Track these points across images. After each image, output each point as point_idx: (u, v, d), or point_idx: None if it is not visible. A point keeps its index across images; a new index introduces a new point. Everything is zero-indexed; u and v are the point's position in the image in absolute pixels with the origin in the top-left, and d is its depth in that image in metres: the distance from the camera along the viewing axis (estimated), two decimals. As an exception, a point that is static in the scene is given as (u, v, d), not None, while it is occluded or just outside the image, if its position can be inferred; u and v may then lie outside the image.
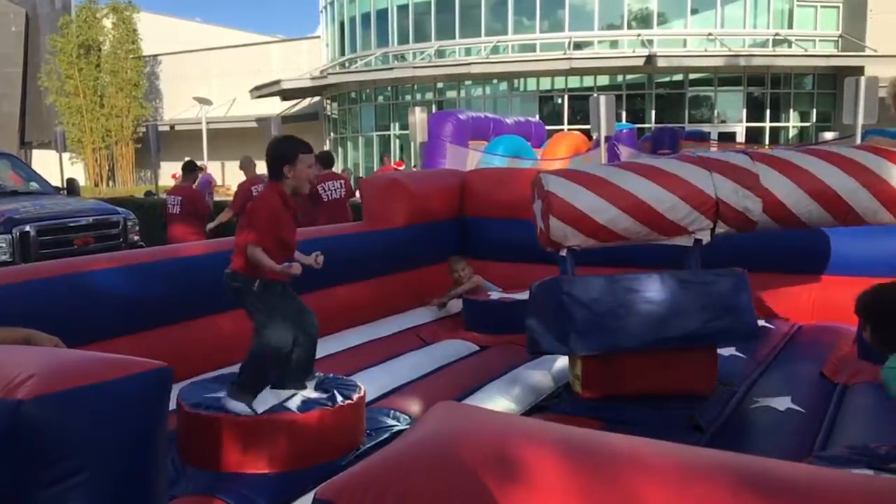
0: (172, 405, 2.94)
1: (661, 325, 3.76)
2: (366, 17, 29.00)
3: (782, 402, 3.83)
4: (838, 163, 3.91)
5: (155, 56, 36.17)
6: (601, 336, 3.78)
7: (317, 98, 32.13)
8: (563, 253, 4.02)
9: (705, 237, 3.92)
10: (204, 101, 24.68)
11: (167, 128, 32.42)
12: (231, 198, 9.51)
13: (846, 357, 4.67)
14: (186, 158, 9.64)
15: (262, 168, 4.26)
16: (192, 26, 41.79)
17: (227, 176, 29.54)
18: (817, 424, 3.63)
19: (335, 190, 8.08)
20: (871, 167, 3.88)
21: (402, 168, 15.84)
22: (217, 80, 34.70)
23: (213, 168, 20.64)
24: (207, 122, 24.55)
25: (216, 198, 10.97)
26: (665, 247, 4.08)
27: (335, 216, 7.59)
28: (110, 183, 33.96)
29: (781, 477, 1.47)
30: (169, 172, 23.91)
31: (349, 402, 3.31)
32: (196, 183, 8.96)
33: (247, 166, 8.72)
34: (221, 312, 4.62)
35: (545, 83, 26.16)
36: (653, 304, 3.77)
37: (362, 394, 3.45)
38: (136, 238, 9.01)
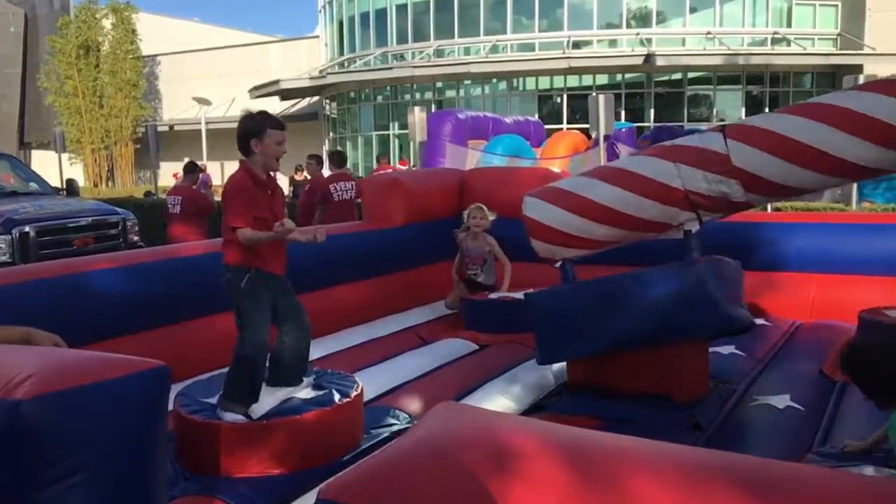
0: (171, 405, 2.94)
1: (622, 323, 3.78)
2: (364, 17, 29.01)
3: (781, 401, 3.82)
4: (809, 113, 3.51)
5: (154, 56, 36.17)
6: (569, 343, 3.93)
7: (316, 98, 32.14)
8: (558, 265, 4.19)
9: (693, 227, 3.86)
10: (203, 102, 24.67)
11: (166, 128, 32.43)
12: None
13: (845, 355, 4.68)
14: (187, 159, 9.65)
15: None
16: (190, 26, 41.79)
17: (226, 176, 29.49)
18: (816, 422, 3.63)
19: (346, 190, 8.11)
20: (848, 106, 3.38)
21: (405, 167, 15.84)
22: (216, 80, 34.69)
23: (212, 168, 20.63)
24: (206, 123, 24.53)
25: (214, 198, 10.97)
26: (666, 240, 4.11)
27: (344, 216, 7.61)
28: (110, 183, 33.95)
29: (780, 478, 1.47)
30: (168, 173, 23.92)
31: (347, 399, 3.31)
32: (197, 183, 8.97)
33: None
34: (221, 312, 4.62)
35: (544, 82, 26.17)
36: (614, 304, 3.82)
37: (360, 391, 3.45)
38: (136, 238, 9.02)
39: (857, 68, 21.08)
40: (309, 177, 9.89)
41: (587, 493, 1.36)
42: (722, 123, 3.92)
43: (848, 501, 1.39)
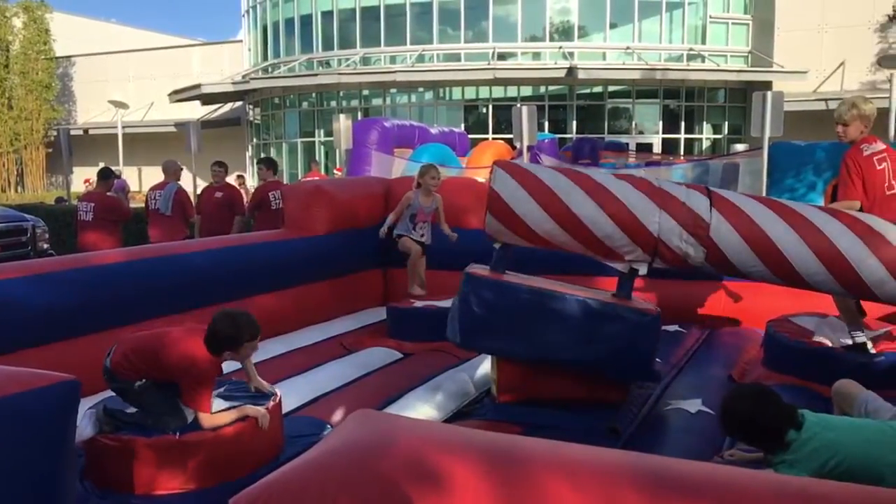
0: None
1: (550, 344, 3.78)
2: (290, 23, 28.68)
3: (693, 405, 3.97)
4: (793, 222, 3.67)
5: (68, 57, 34.85)
6: (487, 336, 3.87)
7: (239, 103, 31.55)
8: (497, 246, 4.03)
9: (641, 269, 3.84)
10: (120, 105, 23.83)
11: (81, 132, 31.27)
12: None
13: (753, 360, 4.89)
14: (101, 164, 9.32)
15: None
16: (107, 27, 40.46)
17: (144, 182, 28.67)
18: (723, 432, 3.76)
19: (280, 199, 7.97)
20: (828, 232, 3.62)
21: (340, 173, 15.70)
22: (134, 83, 33.67)
23: (129, 174, 20.03)
24: (123, 127, 23.74)
25: (132, 204, 10.61)
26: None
27: (277, 225, 7.49)
28: (19, 188, 32.53)
29: (689, 476, 1.53)
30: (83, 178, 23.05)
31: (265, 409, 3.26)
32: (111, 190, 8.66)
33: (167, 169, 8.48)
34: (136, 323, 4.49)
35: (470, 92, 26.42)
36: (552, 322, 3.78)
37: (277, 401, 3.40)
38: (46, 246, 8.66)
39: (768, 84, 22.09)
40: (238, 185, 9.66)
41: (502, 496, 1.38)
42: (706, 187, 3.85)
43: (750, 497, 1.46)
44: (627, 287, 3.87)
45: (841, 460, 2.49)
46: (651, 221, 3.68)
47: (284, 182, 21.99)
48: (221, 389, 3.44)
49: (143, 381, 3.14)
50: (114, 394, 3.30)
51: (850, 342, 4.31)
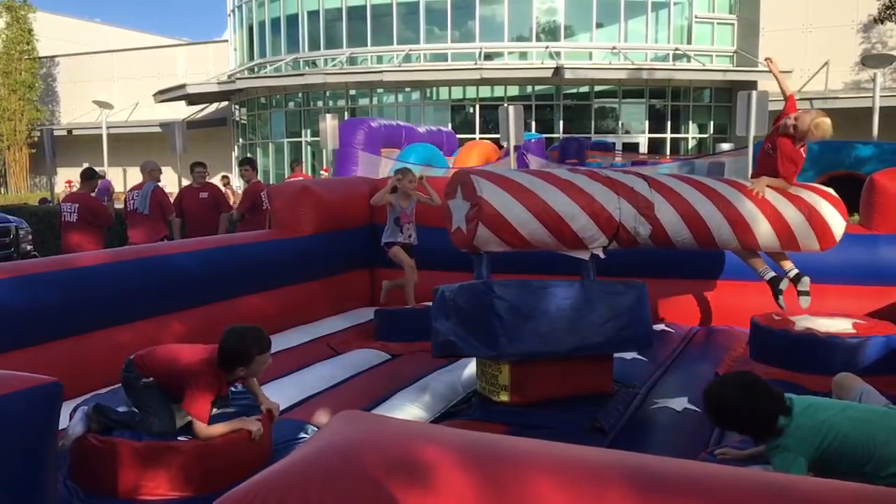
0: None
1: (582, 331, 3.88)
2: (276, 22, 28.59)
3: (680, 403, 3.99)
4: (711, 196, 4.39)
5: (52, 57, 34.59)
6: (528, 340, 3.80)
7: (224, 103, 31.41)
8: (481, 254, 4.01)
9: (599, 253, 4.13)
10: (104, 105, 23.68)
11: (64, 132, 31.03)
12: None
13: (740, 357, 4.92)
14: (85, 165, 9.24)
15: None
16: (92, 27, 40.22)
17: (128, 183, 28.49)
18: (712, 423, 3.79)
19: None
20: (735, 203, 4.42)
21: (327, 174, 15.66)
22: (119, 83, 33.47)
23: (114, 174, 19.88)
24: (108, 127, 23.58)
25: (116, 205, 10.53)
26: (562, 255, 4.21)
27: (265, 226, 7.48)
28: (2, 189, 32.27)
29: (676, 474, 1.53)
30: (66, 179, 22.90)
31: (257, 417, 3.24)
32: (95, 190, 8.59)
33: (144, 168, 8.41)
34: (119, 325, 4.46)
35: (457, 92, 26.43)
36: (574, 311, 3.88)
37: (272, 413, 3.39)
38: (29, 248, 8.59)
39: (753, 84, 22.23)
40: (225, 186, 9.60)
41: (487, 496, 1.38)
42: (639, 173, 4.35)
43: (736, 495, 1.46)
44: (593, 270, 4.14)
45: (834, 439, 2.54)
46: (614, 208, 4.05)
47: (271, 183, 21.94)
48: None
49: (151, 379, 3.15)
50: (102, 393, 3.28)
51: (833, 330, 4.43)
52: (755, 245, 4.62)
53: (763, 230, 4.52)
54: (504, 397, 3.95)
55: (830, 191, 4.88)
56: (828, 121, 4.62)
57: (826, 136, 4.70)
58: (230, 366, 3.13)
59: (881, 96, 18.32)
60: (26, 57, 32.27)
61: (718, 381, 2.84)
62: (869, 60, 19.65)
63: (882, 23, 15.94)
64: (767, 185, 4.62)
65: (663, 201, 4.20)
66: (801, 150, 4.78)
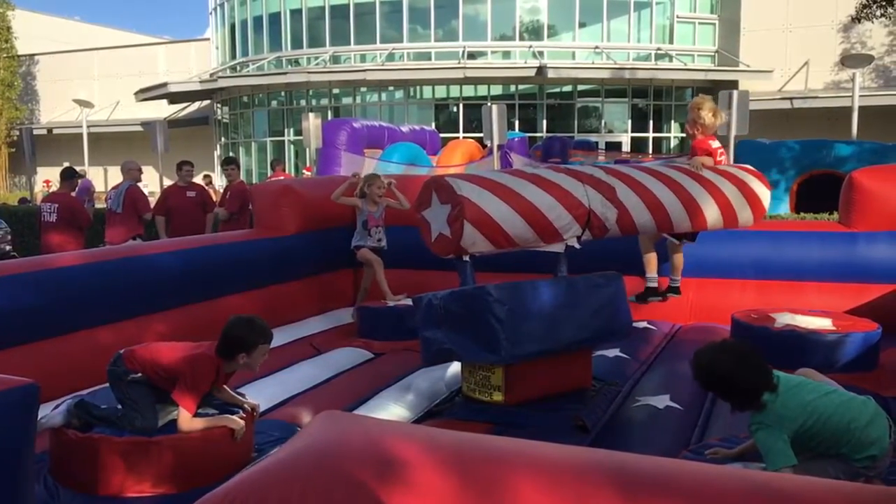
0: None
1: (574, 326, 3.90)
2: (258, 21, 28.45)
3: (661, 401, 4.00)
4: (663, 180, 4.61)
5: (31, 56, 34.21)
6: (528, 341, 3.78)
7: (206, 102, 31.23)
8: (465, 259, 3.96)
9: (574, 244, 4.15)
10: (84, 104, 23.50)
11: (44, 131, 30.72)
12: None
13: (721, 355, 4.94)
14: (65, 164, 9.15)
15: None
16: (72, 25, 39.85)
17: (109, 182, 28.28)
18: (694, 421, 3.82)
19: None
20: (685, 185, 4.68)
21: (310, 173, 15.59)
22: (99, 81, 33.18)
23: (95, 173, 19.72)
24: (88, 126, 23.38)
25: (97, 205, 10.44)
26: (534, 252, 4.24)
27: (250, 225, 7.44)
28: (-20, 189, 31.88)
29: (658, 472, 1.54)
30: (44, 179, 22.66)
31: (239, 416, 3.22)
32: (75, 190, 8.51)
33: (123, 168, 8.34)
34: (99, 326, 4.41)
35: (440, 91, 26.43)
36: (565, 307, 3.89)
37: (254, 412, 3.37)
38: (8, 248, 8.51)
39: (734, 84, 22.39)
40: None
41: (468, 495, 1.38)
42: (591, 163, 4.56)
43: (720, 492, 1.47)
44: (566, 264, 4.20)
45: (817, 420, 2.59)
46: (582, 196, 4.13)
47: (253, 182, 21.83)
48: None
49: (139, 374, 3.15)
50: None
51: (813, 326, 4.47)
52: (704, 225, 4.87)
53: (711, 210, 4.82)
54: (498, 397, 3.92)
55: (749, 166, 5.36)
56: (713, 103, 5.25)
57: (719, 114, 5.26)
58: (233, 352, 3.14)
59: (860, 96, 18.54)
60: (5, 55, 31.89)
61: (712, 346, 2.83)
62: (848, 60, 19.86)
63: (859, 21, 16.08)
64: (702, 164, 5.00)
65: (622, 185, 4.35)
66: (713, 141, 5.25)
